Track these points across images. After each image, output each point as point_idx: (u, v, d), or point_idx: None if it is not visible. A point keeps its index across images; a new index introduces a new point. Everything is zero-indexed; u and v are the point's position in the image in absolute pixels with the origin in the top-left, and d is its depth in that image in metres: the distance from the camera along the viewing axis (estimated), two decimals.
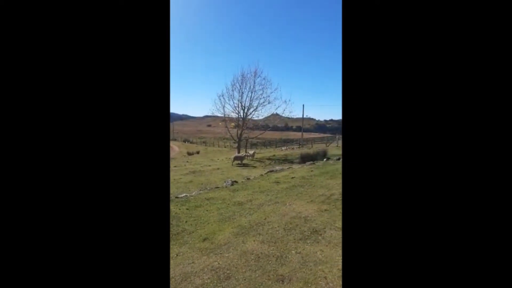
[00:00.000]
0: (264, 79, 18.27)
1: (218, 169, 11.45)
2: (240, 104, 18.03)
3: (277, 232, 3.40)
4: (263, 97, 17.95)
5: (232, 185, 6.57)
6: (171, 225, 3.81)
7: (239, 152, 16.08)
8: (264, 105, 18.37)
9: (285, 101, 18.85)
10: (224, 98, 18.21)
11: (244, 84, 17.81)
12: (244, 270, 2.53)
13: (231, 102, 18.26)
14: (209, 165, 13.11)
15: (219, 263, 2.68)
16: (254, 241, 3.18)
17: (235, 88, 18.03)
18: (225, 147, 30.42)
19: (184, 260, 2.80)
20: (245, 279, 2.37)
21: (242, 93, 17.90)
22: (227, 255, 2.86)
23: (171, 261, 2.78)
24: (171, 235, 3.47)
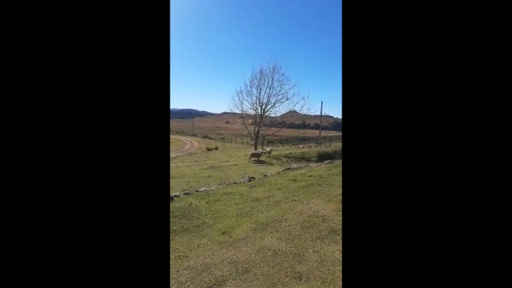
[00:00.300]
0: (282, 75, 18.19)
1: (235, 165, 11.61)
2: (258, 101, 18.09)
3: (294, 230, 3.42)
4: (281, 93, 17.89)
5: (249, 181, 6.66)
6: (192, 217, 3.97)
7: (256, 149, 16.18)
8: (282, 102, 18.31)
9: (303, 98, 18.62)
10: (242, 95, 18.36)
11: (263, 80, 17.83)
12: (262, 265, 2.59)
13: (249, 99, 18.37)
14: (227, 161, 13.33)
15: (237, 257, 2.76)
16: (271, 237, 3.23)
17: (253, 85, 18.11)
18: (242, 143, 30.73)
19: (204, 251, 2.91)
20: (262, 274, 2.43)
21: (260, 89, 17.94)
22: (245, 249, 2.94)
23: (192, 252, 2.91)
24: (192, 227, 3.62)
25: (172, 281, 2.35)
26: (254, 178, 7.06)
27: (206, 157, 17.17)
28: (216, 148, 23.47)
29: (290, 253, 2.81)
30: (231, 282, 2.33)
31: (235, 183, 6.54)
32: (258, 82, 17.89)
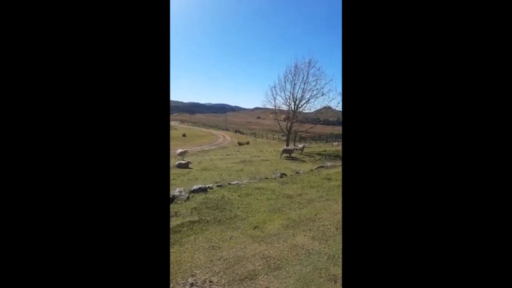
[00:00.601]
0: (318, 69, 17.56)
1: (267, 160, 11.61)
2: (291, 96, 17.77)
3: (329, 230, 3.29)
4: (316, 88, 17.31)
5: (281, 177, 6.59)
6: (224, 209, 4.05)
7: (287, 145, 15.98)
8: (317, 97, 17.74)
9: (340, 93, 17.76)
10: (275, 90, 18.18)
11: (297, 75, 17.42)
12: (294, 263, 2.53)
13: (283, 94, 18.14)
14: (258, 156, 13.40)
15: (269, 252, 2.74)
16: (304, 236, 3.14)
17: (287, 80, 17.80)
18: (273, 139, 30.65)
19: (236, 244, 2.95)
20: (295, 273, 2.38)
21: (295, 84, 17.57)
22: (277, 245, 2.91)
23: (225, 243, 2.97)
24: (224, 219, 3.69)
25: (206, 270, 2.42)
26: (285, 174, 6.97)
27: (238, 151, 17.48)
28: (248, 143, 23.77)
29: (325, 254, 2.70)
30: (263, 277, 2.31)
31: (267, 178, 6.53)
32: (293, 77, 17.55)
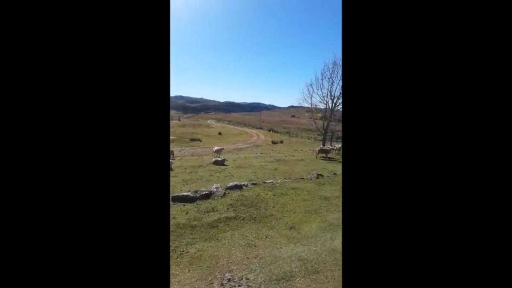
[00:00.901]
0: None
1: (301, 160, 11.37)
2: (329, 94, 17.12)
3: None
4: None
5: (317, 178, 6.39)
6: (260, 208, 4.07)
7: (324, 145, 15.43)
8: None
9: None
10: (312, 88, 17.71)
11: (336, 72, 16.71)
12: (333, 269, 2.42)
13: (320, 92, 17.58)
14: (293, 155, 13.20)
15: (306, 255, 2.67)
16: None
17: (324, 77, 17.22)
18: (308, 138, 29.91)
19: (272, 243, 2.93)
20: (334, 278, 2.27)
21: (332, 81, 16.91)
22: (314, 248, 2.81)
23: (261, 242, 2.97)
24: (260, 217, 3.70)
25: (242, 267, 2.45)
26: (322, 175, 6.74)
27: (272, 150, 17.45)
28: (281, 142, 23.56)
29: None
30: (300, 280, 2.26)
31: (302, 178, 6.39)
32: (331, 74, 16.91)
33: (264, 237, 3.09)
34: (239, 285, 2.19)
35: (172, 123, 37.71)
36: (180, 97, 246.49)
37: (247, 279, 2.27)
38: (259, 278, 2.28)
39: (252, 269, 2.42)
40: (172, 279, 2.22)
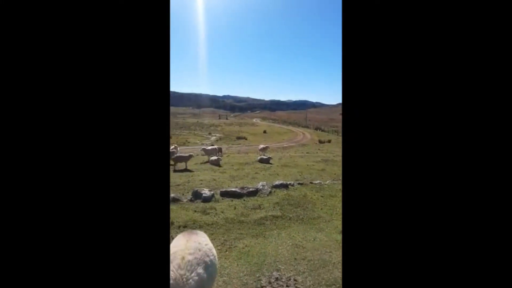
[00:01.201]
0: None
1: None
2: None
3: None
4: None
5: None
6: (307, 209, 3.96)
7: None
8: None
9: None
10: None
11: None
12: None
13: None
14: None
15: None
16: None
17: None
18: None
19: (321, 247, 2.82)
20: None
21: None
22: None
23: (309, 244, 2.88)
24: (307, 219, 3.60)
25: (290, 267, 2.41)
26: None
27: (318, 149, 16.85)
28: (329, 141, 22.50)
29: None
30: None
31: None
32: None
33: (312, 239, 2.99)
34: (287, 286, 2.16)
35: (220, 121, 39.65)
36: (228, 97, 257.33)
37: (295, 280, 2.23)
38: (308, 281, 2.21)
39: (300, 270, 2.37)
40: (222, 271, 2.32)
